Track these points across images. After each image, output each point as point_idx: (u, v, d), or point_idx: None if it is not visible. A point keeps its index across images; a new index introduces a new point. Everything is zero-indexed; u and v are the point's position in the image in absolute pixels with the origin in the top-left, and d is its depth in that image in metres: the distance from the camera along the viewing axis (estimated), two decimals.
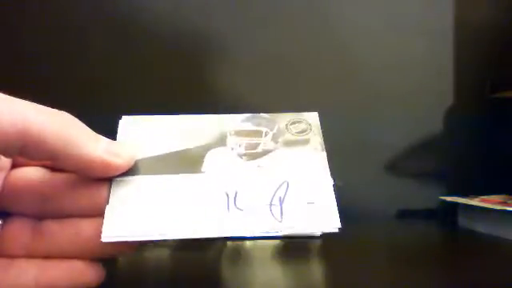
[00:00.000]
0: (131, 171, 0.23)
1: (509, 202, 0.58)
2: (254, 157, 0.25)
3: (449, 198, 0.63)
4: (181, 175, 0.24)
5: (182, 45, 0.70)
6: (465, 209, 0.61)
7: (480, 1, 0.74)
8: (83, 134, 0.21)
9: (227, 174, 0.24)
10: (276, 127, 0.26)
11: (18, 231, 0.23)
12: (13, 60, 0.67)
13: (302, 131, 0.26)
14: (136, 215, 0.22)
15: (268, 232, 0.22)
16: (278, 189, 0.23)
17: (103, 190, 0.23)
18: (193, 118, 0.26)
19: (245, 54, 0.70)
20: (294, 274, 0.39)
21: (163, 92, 0.69)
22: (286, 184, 0.23)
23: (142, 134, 0.25)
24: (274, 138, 0.26)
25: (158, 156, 0.24)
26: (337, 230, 0.23)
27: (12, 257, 0.22)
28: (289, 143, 0.25)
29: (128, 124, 0.25)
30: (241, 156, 0.25)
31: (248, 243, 0.47)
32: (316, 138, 0.26)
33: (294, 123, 0.26)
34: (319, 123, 0.27)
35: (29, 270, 0.22)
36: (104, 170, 0.22)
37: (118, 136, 0.25)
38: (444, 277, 0.38)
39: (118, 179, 0.23)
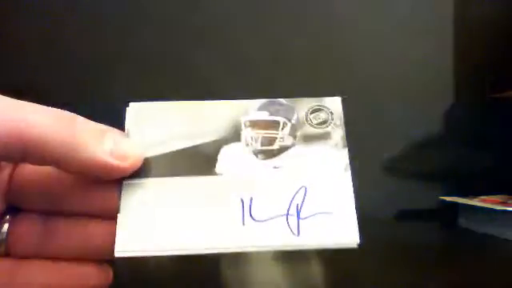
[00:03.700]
0: (141, 172, 0.22)
1: (509, 201, 0.58)
2: (270, 155, 0.23)
3: (449, 198, 0.63)
4: (194, 178, 0.22)
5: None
6: (465, 209, 0.61)
7: (480, 1, 0.74)
8: (87, 135, 0.20)
9: (242, 177, 0.22)
10: (295, 116, 0.24)
11: (27, 230, 0.22)
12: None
13: (323, 122, 0.24)
14: (149, 228, 0.21)
15: (284, 247, 0.21)
16: (295, 195, 0.22)
17: (113, 190, 0.22)
18: (204, 105, 0.24)
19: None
20: (294, 274, 0.39)
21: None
22: (303, 190, 0.22)
23: (151, 124, 0.23)
24: (292, 131, 0.24)
25: (168, 154, 0.23)
26: (355, 246, 0.21)
27: (20, 256, 0.22)
28: (308, 138, 0.23)
29: (136, 112, 0.24)
30: (256, 154, 0.23)
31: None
32: (337, 131, 0.24)
33: (314, 112, 0.24)
34: (341, 111, 0.24)
35: (37, 273, 0.22)
36: (109, 173, 0.21)
37: (126, 125, 0.23)
38: (444, 277, 0.38)
39: (127, 182, 0.22)
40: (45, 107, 0.20)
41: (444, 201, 0.64)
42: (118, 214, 0.21)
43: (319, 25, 0.71)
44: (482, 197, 0.61)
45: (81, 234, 0.22)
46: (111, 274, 0.23)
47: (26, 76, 0.66)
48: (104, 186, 0.22)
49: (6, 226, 0.22)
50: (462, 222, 0.62)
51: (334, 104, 0.24)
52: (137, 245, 0.21)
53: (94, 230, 0.22)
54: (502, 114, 0.72)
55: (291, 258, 0.43)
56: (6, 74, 0.62)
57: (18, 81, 0.56)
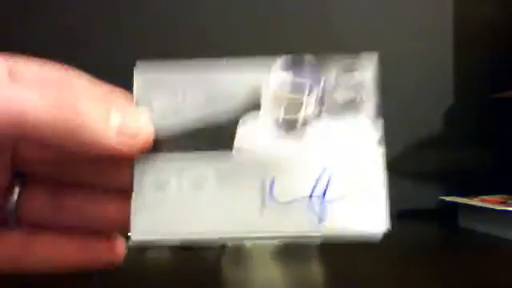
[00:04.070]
0: (154, 146, 0.20)
1: (509, 201, 0.58)
2: (294, 126, 0.20)
3: (449, 198, 0.63)
4: (211, 154, 0.20)
5: None
6: (465, 209, 0.61)
7: (480, 1, 0.74)
8: (90, 113, 0.18)
9: (263, 154, 0.20)
10: (323, 78, 0.21)
11: (38, 200, 0.21)
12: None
13: (355, 86, 0.21)
14: (163, 212, 0.20)
15: (307, 233, 0.20)
16: (320, 176, 0.20)
17: (126, 164, 0.20)
18: (221, 65, 0.21)
19: None
20: (294, 274, 0.39)
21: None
22: (329, 170, 0.20)
23: (162, 89, 0.21)
24: (320, 97, 0.21)
25: (182, 125, 0.20)
26: (383, 232, 0.20)
27: (32, 227, 0.21)
28: (336, 106, 0.20)
29: (144, 73, 0.21)
30: (279, 124, 0.20)
31: (248, 244, 0.48)
32: (371, 98, 0.20)
33: (345, 73, 0.21)
34: (377, 71, 0.21)
35: (51, 246, 0.21)
36: (117, 154, 0.19)
37: (135, 91, 0.21)
38: (444, 276, 0.38)
39: (138, 156, 0.20)
40: (42, 80, 0.18)
41: (444, 201, 0.64)
42: (132, 195, 0.20)
43: (318, 25, 0.71)
44: (482, 197, 0.61)
45: (93, 208, 0.21)
46: (124, 250, 0.22)
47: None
48: (116, 159, 0.20)
49: (15, 196, 0.21)
50: (462, 221, 0.62)
51: (369, 62, 0.21)
52: (152, 230, 0.20)
53: (107, 206, 0.21)
54: (502, 113, 0.72)
55: (291, 258, 0.43)
56: None
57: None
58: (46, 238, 0.21)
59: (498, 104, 0.70)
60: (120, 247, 0.22)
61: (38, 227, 0.21)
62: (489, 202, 0.58)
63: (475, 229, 0.59)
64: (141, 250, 0.45)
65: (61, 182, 0.21)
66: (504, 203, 0.56)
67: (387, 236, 0.21)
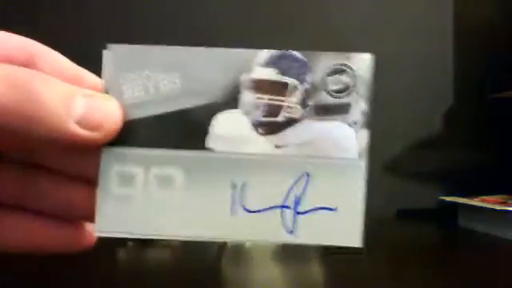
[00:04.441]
0: (121, 138, 0.19)
1: (509, 201, 0.58)
2: (272, 129, 0.19)
3: (449, 198, 0.63)
4: (181, 152, 0.19)
5: None
6: (465, 209, 0.61)
7: (480, 1, 0.74)
8: (49, 101, 0.17)
9: (236, 156, 0.19)
10: (309, 77, 0.19)
11: (7, 179, 0.20)
12: None
13: (344, 89, 0.19)
14: (128, 208, 0.19)
15: (276, 242, 0.19)
16: (295, 183, 0.19)
17: (93, 154, 0.19)
18: (198, 53, 0.19)
19: None
20: (294, 274, 0.39)
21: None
22: (305, 177, 0.19)
23: (133, 75, 0.19)
24: (303, 99, 0.19)
25: (152, 118, 0.19)
26: (358, 246, 0.19)
27: (1, 204, 0.20)
28: (321, 110, 0.19)
29: (115, 57, 0.19)
30: (256, 126, 0.19)
31: (248, 243, 0.48)
32: (359, 104, 0.19)
33: (334, 73, 0.19)
34: (371, 75, 0.19)
35: (20, 224, 0.20)
36: (79, 145, 0.18)
37: (103, 76, 0.19)
38: (444, 277, 0.38)
39: (105, 148, 0.19)
40: (8, 63, 0.17)
41: (444, 201, 0.64)
42: (97, 188, 0.19)
43: (318, 25, 0.71)
44: (482, 197, 0.61)
45: (61, 194, 0.20)
46: (94, 237, 0.21)
47: None
48: (84, 150, 0.19)
49: None
50: (462, 222, 0.62)
51: (362, 64, 0.19)
52: (118, 225, 0.19)
53: (74, 193, 0.20)
54: (501, 114, 0.72)
55: (291, 258, 0.43)
56: None
57: None
58: (15, 218, 0.20)
59: (498, 104, 0.70)
60: (90, 234, 0.21)
61: (9, 206, 0.21)
62: (489, 202, 0.58)
63: (475, 229, 0.59)
64: (141, 250, 0.45)
65: (31, 164, 0.21)
66: (504, 203, 0.56)
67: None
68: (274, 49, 0.19)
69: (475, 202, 0.59)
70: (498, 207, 0.54)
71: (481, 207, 0.57)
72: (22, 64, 0.18)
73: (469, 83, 0.72)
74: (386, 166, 0.70)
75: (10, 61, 0.18)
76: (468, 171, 0.70)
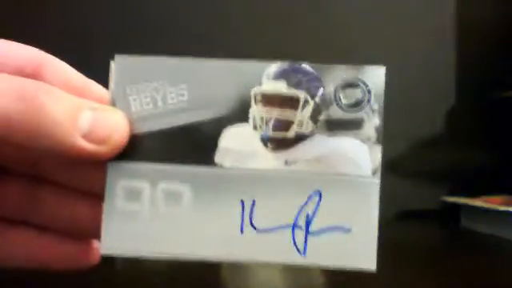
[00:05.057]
0: (127, 152, 0.19)
1: None
2: (282, 145, 0.19)
3: (451, 199, 0.63)
4: (189, 167, 0.19)
5: None
6: (467, 209, 0.61)
7: (481, 0, 0.74)
8: (55, 114, 0.17)
9: (245, 172, 0.18)
10: (320, 91, 0.18)
11: (15, 192, 0.20)
12: None
13: (356, 104, 0.18)
14: (135, 225, 0.19)
15: (287, 263, 0.18)
16: (306, 202, 0.18)
17: (100, 169, 0.19)
18: (206, 65, 0.19)
19: None
20: (294, 276, 0.39)
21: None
22: (317, 196, 0.18)
23: (141, 87, 0.19)
24: (314, 113, 0.18)
25: (159, 132, 0.19)
26: (372, 270, 0.18)
27: (6, 219, 0.20)
28: (333, 125, 0.18)
29: (123, 68, 0.19)
30: (266, 141, 0.19)
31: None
32: (373, 119, 0.18)
33: (346, 87, 0.19)
34: (383, 88, 0.18)
35: (21, 241, 0.20)
36: (85, 159, 0.18)
37: (111, 89, 0.19)
38: (446, 277, 0.37)
39: (112, 163, 0.19)
40: (2, 77, 0.17)
41: (446, 201, 0.64)
42: (104, 204, 0.19)
43: (319, 25, 0.71)
44: (485, 197, 0.61)
45: (69, 209, 0.20)
46: (99, 255, 0.21)
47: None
48: (91, 162, 0.19)
49: None
50: (465, 222, 0.62)
51: (375, 77, 0.19)
52: (124, 244, 0.19)
53: (82, 209, 0.20)
54: (504, 113, 0.71)
55: None
56: None
57: None
58: (20, 232, 0.20)
59: (501, 104, 0.70)
60: (95, 252, 0.21)
61: (14, 222, 0.20)
62: (492, 202, 0.58)
63: (477, 229, 0.59)
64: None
65: (38, 178, 0.20)
66: (507, 204, 0.56)
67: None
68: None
69: (478, 202, 0.58)
70: (500, 208, 0.54)
71: (483, 208, 0.56)
72: (29, 75, 0.18)
73: (469, 83, 0.72)
74: (387, 166, 0.70)
75: (18, 72, 0.18)
76: (471, 171, 0.70)
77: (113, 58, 0.19)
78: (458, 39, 0.72)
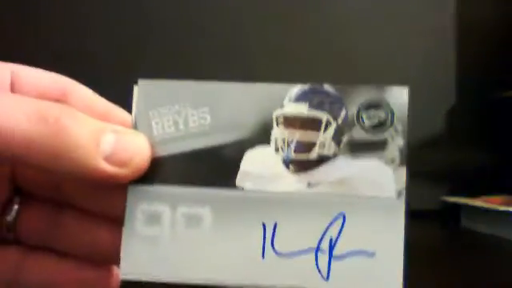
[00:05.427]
0: (148, 175, 0.19)
1: None
2: (304, 167, 0.18)
3: (451, 199, 0.63)
4: (210, 190, 0.19)
5: None
6: (467, 209, 0.61)
7: (481, 1, 0.74)
8: (77, 137, 0.17)
9: (267, 195, 0.18)
10: (343, 113, 0.18)
11: (36, 216, 0.20)
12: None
13: (380, 124, 0.18)
14: (155, 249, 0.19)
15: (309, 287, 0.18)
16: (330, 224, 0.18)
17: (122, 193, 0.19)
18: (228, 88, 0.19)
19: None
20: None
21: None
22: (341, 219, 0.18)
23: (163, 111, 0.19)
24: (337, 135, 0.18)
25: (181, 155, 0.19)
26: None
27: (29, 244, 0.20)
28: (355, 146, 0.18)
29: (146, 92, 0.19)
30: (287, 163, 0.18)
31: None
32: (397, 141, 0.18)
33: (369, 108, 0.18)
34: (407, 108, 0.18)
35: (42, 268, 0.20)
36: (106, 181, 0.18)
37: (134, 112, 0.19)
38: (446, 277, 0.37)
39: (132, 186, 0.19)
40: (24, 100, 0.17)
41: (446, 201, 0.64)
42: (124, 228, 0.19)
43: (319, 25, 0.71)
44: (485, 197, 0.61)
45: (90, 234, 0.20)
46: (119, 281, 0.21)
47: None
48: (112, 186, 0.19)
49: (14, 213, 0.20)
50: (465, 222, 0.62)
51: (398, 98, 0.18)
52: (143, 269, 0.19)
53: (103, 233, 0.20)
54: (504, 113, 0.71)
55: None
56: None
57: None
58: (40, 258, 0.20)
59: (501, 104, 0.70)
60: (115, 278, 0.21)
61: (35, 247, 0.20)
62: (492, 202, 0.58)
63: (478, 229, 0.59)
64: None
65: (59, 203, 0.21)
66: (507, 204, 0.56)
67: None
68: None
69: (478, 202, 0.59)
70: (500, 208, 0.54)
71: (483, 208, 0.56)
72: (54, 100, 0.18)
73: (471, 83, 0.72)
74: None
75: (44, 97, 0.18)
76: (471, 171, 0.70)
77: (136, 83, 0.19)
78: (458, 39, 0.72)
